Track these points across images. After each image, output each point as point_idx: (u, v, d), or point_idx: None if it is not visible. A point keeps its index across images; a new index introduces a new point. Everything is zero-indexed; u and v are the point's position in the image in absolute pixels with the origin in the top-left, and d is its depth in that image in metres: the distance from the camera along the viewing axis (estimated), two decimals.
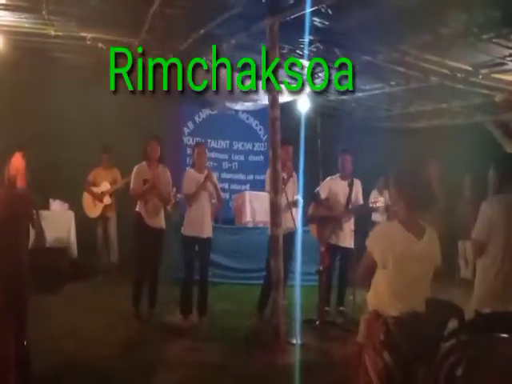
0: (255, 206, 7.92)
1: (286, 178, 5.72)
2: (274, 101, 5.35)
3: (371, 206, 6.31)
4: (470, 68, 6.12)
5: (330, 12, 5.15)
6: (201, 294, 5.80)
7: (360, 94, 7.90)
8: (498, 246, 3.61)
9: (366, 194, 7.01)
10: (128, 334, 5.32)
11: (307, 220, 6.17)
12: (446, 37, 5.22)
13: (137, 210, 5.89)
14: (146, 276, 5.91)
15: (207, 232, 5.77)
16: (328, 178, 6.38)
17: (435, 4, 4.59)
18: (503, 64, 5.81)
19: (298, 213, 5.91)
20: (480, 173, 4.37)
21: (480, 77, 6.24)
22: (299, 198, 5.91)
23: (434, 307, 2.91)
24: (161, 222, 5.93)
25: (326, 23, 5.47)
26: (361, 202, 6.27)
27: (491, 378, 2.60)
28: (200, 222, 5.70)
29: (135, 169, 5.94)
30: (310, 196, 6.24)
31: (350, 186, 6.09)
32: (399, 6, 4.70)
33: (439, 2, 4.53)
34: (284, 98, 6.91)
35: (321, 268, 5.54)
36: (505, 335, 2.74)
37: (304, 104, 7.71)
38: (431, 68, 6.28)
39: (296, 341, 5.12)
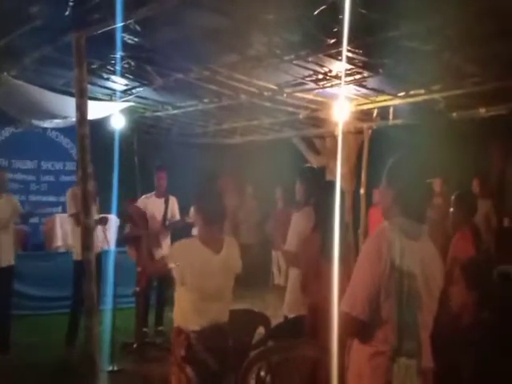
0: (67, 230, 7.45)
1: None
2: (82, 117, 5.11)
3: (189, 221, 6.36)
4: (275, 87, 6.50)
5: (139, 28, 5.10)
6: (1, 330, 5.28)
7: (175, 111, 7.95)
8: (306, 256, 3.84)
9: (185, 210, 7.05)
10: None
11: (123, 240, 6.02)
12: (252, 57, 5.47)
13: None
14: None
15: (5, 261, 5.28)
16: (143, 197, 6.31)
17: (240, 27, 4.78)
18: (304, 84, 6.28)
19: (110, 232, 5.73)
20: (290, 185, 4.67)
21: (285, 95, 6.68)
22: (111, 216, 5.74)
23: (240, 318, 2.99)
24: None
25: (136, 39, 5.40)
26: (177, 218, 6.29)
27: (296, 379, 2.74)
28: None
29: None
30: (126, 215, 6.10)
31: (166, 202, 6.08)
32: (206, 26, 4.81)
33: (244, 25, 4.72)
34: (96, 114, 6.67)
35: (137, 289, 5.42)
36: (306, 338, 2.91)
37: (118, 121, 7.55)
38: (241, 86, 6.55)
39: (112, 368, 4.93)
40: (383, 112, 7.33)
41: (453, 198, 4.37)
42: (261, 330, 3.60)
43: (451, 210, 4.29)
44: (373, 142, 7.80)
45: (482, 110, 6.42)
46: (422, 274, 2.21)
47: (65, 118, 7.23)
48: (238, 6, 4.29)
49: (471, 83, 5.61)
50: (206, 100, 7.34)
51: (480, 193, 7.14)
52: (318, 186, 3.93)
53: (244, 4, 4.24)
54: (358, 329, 2.20)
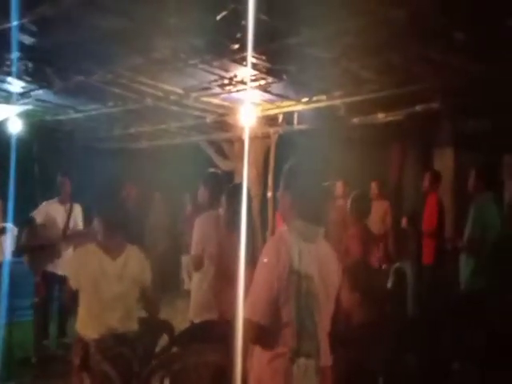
0: None
1: None
2: None
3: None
4: (181, 91, 6.46)
5: (36, 28, 4.88)
6: None
7: (77, 115, 7.68)
8: (210, 259, 3.84)
9: (89, 218, 6.82)
10: None
11: (20, 249, 5.71)
12: (156, 61, 5.40)
13: None
14: None
15: None
16: (44, 203, 6.03)
17: (143, 29, 4.70)
18: (210, 88, 6.29)
19: (6, 242, 5.43)
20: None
21: (191, 100, 6.65)
22: (8, 225, 5.44)
23: (143, 326, 2.93)
24: None
25: (33, 40, 5.16)
26: (80, 226, 6.07)
27: None
28: None
29: None
30: (25, 222, 5.80)
31: (69, 210, 5.86)
32: (107, 27, 4.68)
33: (147, 27, 4.65)
34: None
35: (36, 300, 5.16)
36: (211, 344, 2.90)
37: (15, 125, 7.17)
38: (146, 90, 6.45)
39: None
40: (288, 117, 7.50)
41: (349, 199, 4.56)
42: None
43: (347, 211, 4.47)
44: (279, 147, 7.96)
45: (381, 116, 6.72)
46: (319, 276, 2.27)
47: None
48: (139, 7, 4.22)
49: (369, 90, 5.86)
50: (110, 103, 7.15)
51: (378, 194, 7.48)
52: (222, 190, 3.95)
53: (145, 6, 4.18)
54: (260, 334, 2.22)
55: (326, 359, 2.32)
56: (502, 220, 4.80)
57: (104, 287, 2.87)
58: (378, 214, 7.07)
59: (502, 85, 5.31)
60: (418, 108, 6.20)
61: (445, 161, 7.80)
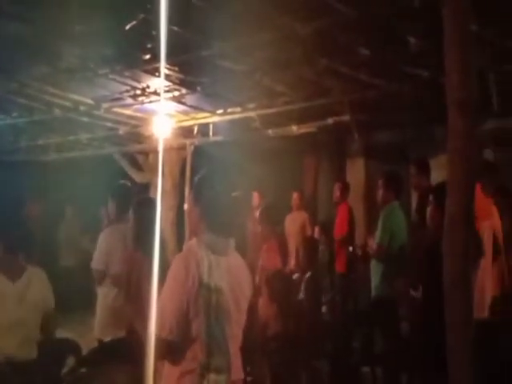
0: None
1: None
2: None
3: None
4: (91, 102, 6.26)
5: None
6: None
7: None
8: (115, 275, 3.72)
9: None
10: None
11: None
12: (64, 70, 5.22)
13: None
14: None
15: None
16: None
17: (48, 37, 4.52)
18: (121, 99, 6.14)
19: None
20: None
21: (102, 111, 6.46)
22: None
23: (47, 348, 2.77)
24: None
25: None
26: None
27: None
28: None
29: None
30: None
31: None
32: (8, 35, 4.46)
33: (52, 35, 4.47)
34: None
35: None
36: (121, 362, 2.79)
37: None
38: (54, 100, 6.22)
39: None
40: (204, 129, 7.46)
41: (259, 211, 4.59)
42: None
43: (258, 222, 4.50)
44: (195, 158, 7.88)
45: (295, 128, 6.82)
46: (229, 288, 2.24)
47: None
48: (42, 13, 4.05)
49: (282, 102, 5.95)
50: (15, 114, 6.83)
51: (299, 205, 7.56)
52: (130, 203, 3.85)
53: (49, 12, 4.01)
54: (168, 350, 2.16)
55: (238, 373, 2.29)
56: (408, 227, 5.00)
57: (3, 311, 2.67)
58: (297, 225, 7.17)
59: (408, 98, 5.57)
60: (330, 120, 6.35)
61: (356, 171, 8.05)
